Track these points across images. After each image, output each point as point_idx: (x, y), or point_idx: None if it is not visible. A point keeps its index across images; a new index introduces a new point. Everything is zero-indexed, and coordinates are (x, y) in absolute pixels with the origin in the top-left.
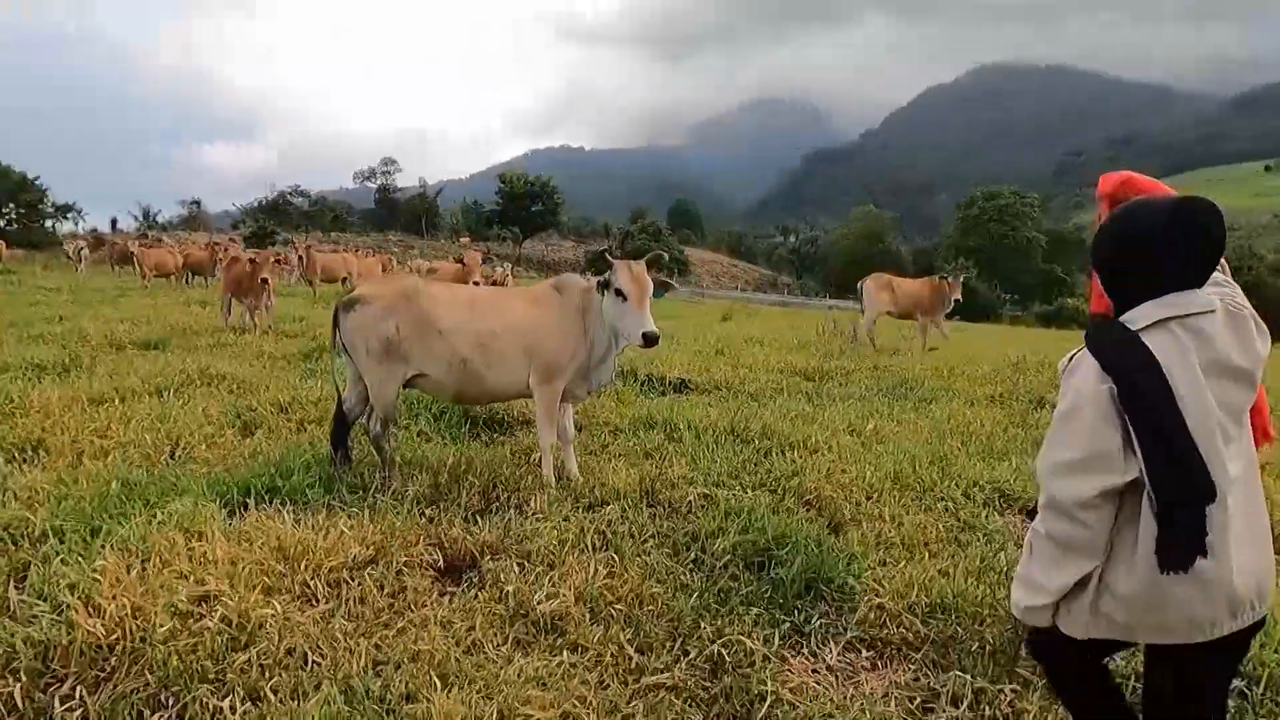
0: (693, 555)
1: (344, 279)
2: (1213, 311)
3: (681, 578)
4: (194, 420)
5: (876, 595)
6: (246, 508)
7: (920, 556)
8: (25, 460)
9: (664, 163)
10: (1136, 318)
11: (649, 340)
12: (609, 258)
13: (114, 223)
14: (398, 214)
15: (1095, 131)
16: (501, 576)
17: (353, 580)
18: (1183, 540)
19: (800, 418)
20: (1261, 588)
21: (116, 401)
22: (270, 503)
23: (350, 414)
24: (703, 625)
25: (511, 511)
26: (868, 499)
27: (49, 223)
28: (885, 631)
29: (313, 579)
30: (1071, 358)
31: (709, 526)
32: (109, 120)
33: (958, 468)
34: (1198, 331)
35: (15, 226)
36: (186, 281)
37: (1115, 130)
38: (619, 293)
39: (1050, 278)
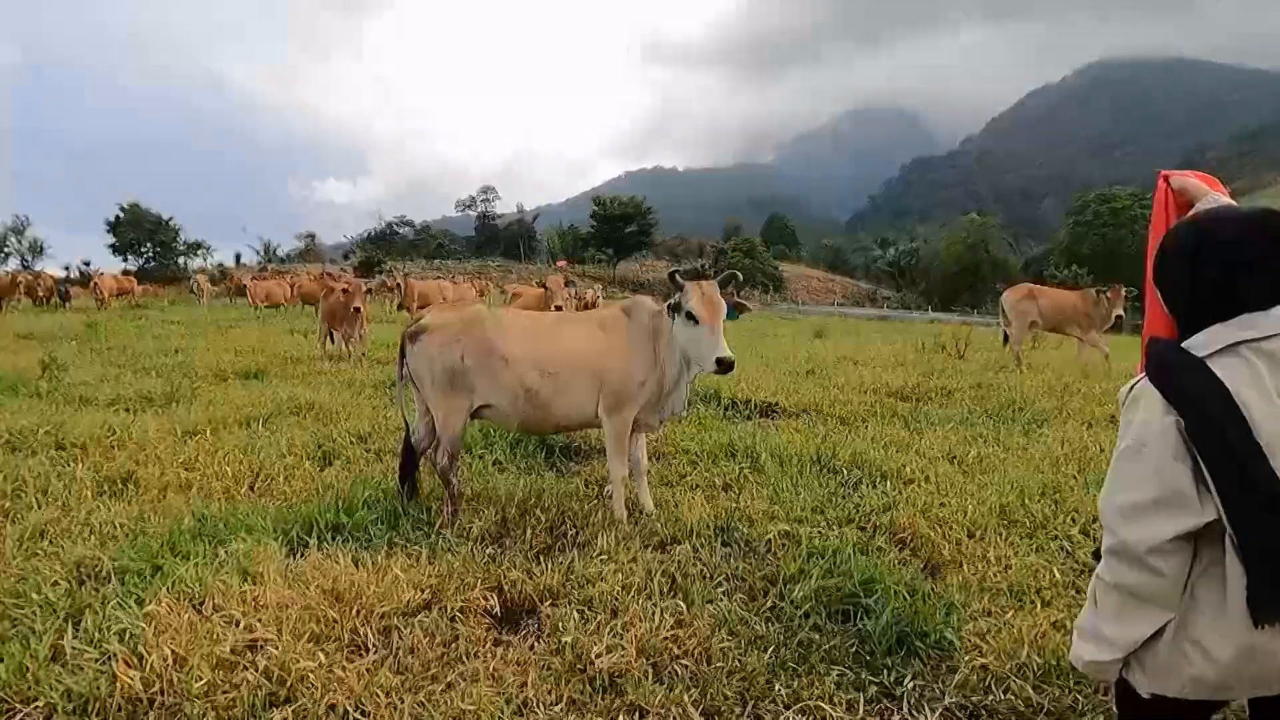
0: (770, 602)
1: (441, 304)
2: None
3: (756, 628)
4: (276, 451)
5: (979, 653)
6: (309, 545)
7: (1031, 606)
8: (115, 494)
9: (758, 180)
10: (1203, 343)
11: (723, 366)
12: (679, 279)
13: (238, 257)
14: (497, 240)
15: (1220, 126)
16: (560, 625)
17: (405, 627)
18: (1271, 587)
19: (894, 444)
20: None
21: (208, 433)
22: (334, 539)
23: (418, 446)
24: (777, 686)
25: (575, 551)
26: (970, 537)
27: (181, 259)
28: (990, 698)
29: (363, 625)
30: (1132, 388)
31: (789, 569)
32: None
33: (1074, 500)
34: (1270, 355)
35: (152, 264)
36: (299, 311)
37: (1243, 123)
38: (690, 316)
39: None
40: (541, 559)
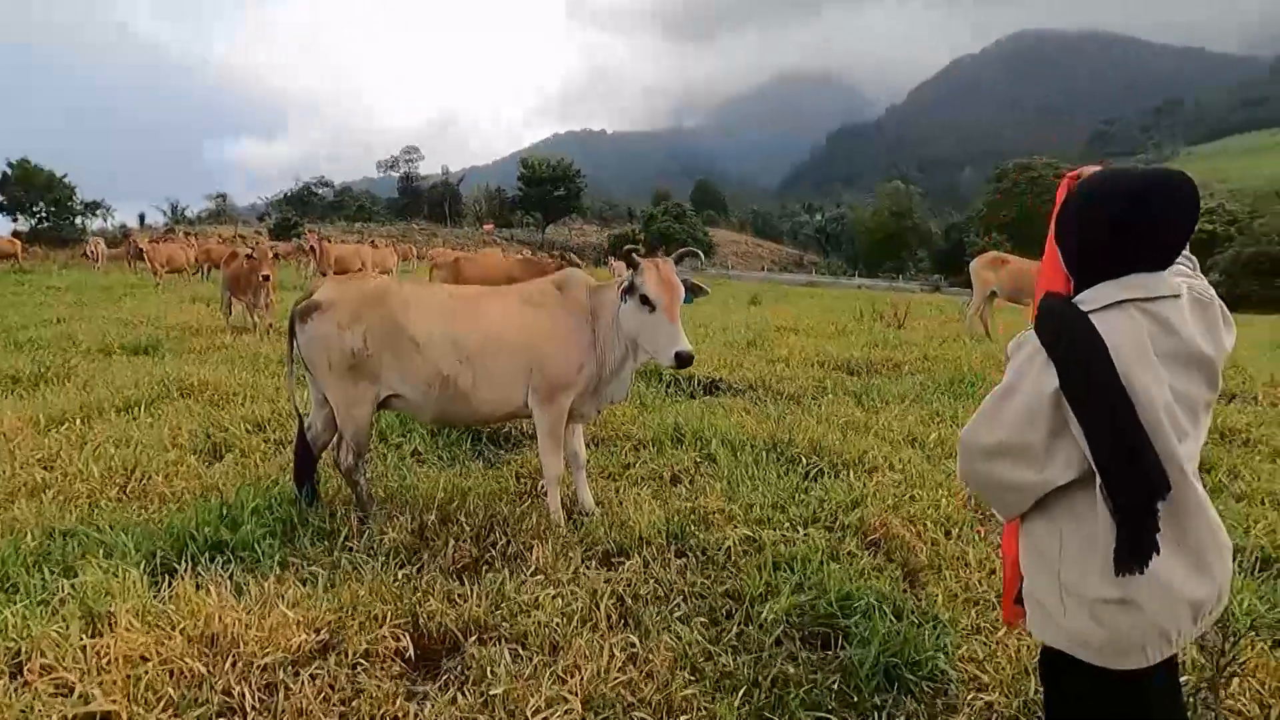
0: (735, 627)
1: (359, 269)
2: (1178, 297)
3: (722, 662)
4: (157, 443)
5: (979, 687)
6: (180, 571)
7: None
8: None
9: (688, 144)
10: (1093, 298)
11: (682, 361)
12: (635, 257)
13: (142, 218)
14: (421, 202)
15: (1130, 99)
16: (489, 670)
17: (294, 682)
18: (1137, 539)
19: (851, 426)
20: (1221, 590)
21: (77, 422)
22: (213, 561)
23: (316, 443)
24: None
25: (506, 568)
26: (946, 536)
27: (78, 220)
28: None
29: (240, 683)
30: (1018, 337)
31: (754, 584)
32: (138, 118)
33: None
34: (1159, 317)
35: (46, 224)
36: (204, 277)
37: (1151, 98)
38: (645, 300)
39: None
40: (465, 579)
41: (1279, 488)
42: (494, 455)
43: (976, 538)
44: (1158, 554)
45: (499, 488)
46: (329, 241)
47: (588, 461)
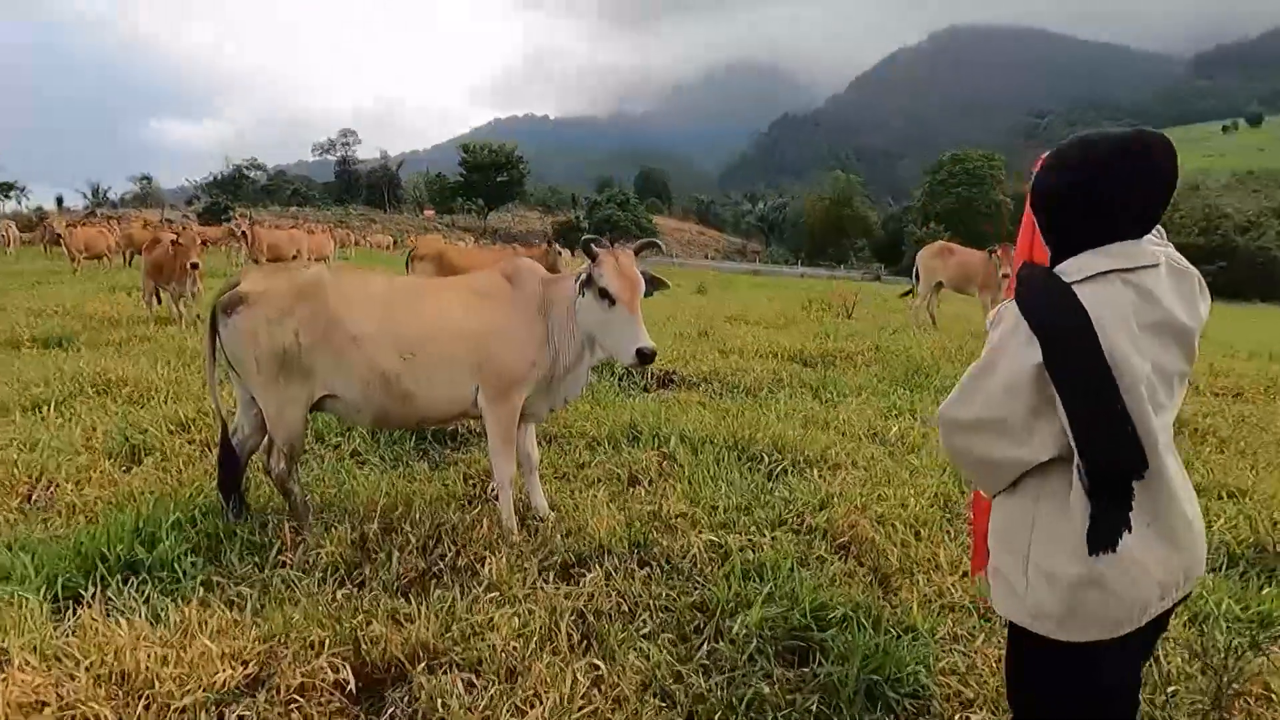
0: (706, 644)
1: (294, 257)
2: (1157, 266)
3: (693, 684)
4: (67, 447)
5: (962, 705)
6: (90, 596)
7: (1000, 626)
8: None
9: (632, 130)
10: (1075, 268)
11: (644, 358)
12: (594, 249)
13: (59, 201)
14: (359, 187)
15: (1061, 93)
16: (440, 702)
17: None
18: (1111, 517)
19: (811, 421)
20: (1190, 567)
21: None
22: (126, 584)
23: (242, 448)
24: None
25: (457, 583)
26: (915, 537)
27: None
28: None
29: None
30: (998, 309)
31: (723, 594)
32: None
33: None
34: (1141, 288)
35: None
36: (128, 262)
37: (1080, 91)
38: (604, 294)
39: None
40: (412, 597)
41: (1231, 480)
42: (440, 455)
43: (946, 538)
44: (1129, 532)
45: (446, 492)
46: (261, 226)
47: (540, 462)
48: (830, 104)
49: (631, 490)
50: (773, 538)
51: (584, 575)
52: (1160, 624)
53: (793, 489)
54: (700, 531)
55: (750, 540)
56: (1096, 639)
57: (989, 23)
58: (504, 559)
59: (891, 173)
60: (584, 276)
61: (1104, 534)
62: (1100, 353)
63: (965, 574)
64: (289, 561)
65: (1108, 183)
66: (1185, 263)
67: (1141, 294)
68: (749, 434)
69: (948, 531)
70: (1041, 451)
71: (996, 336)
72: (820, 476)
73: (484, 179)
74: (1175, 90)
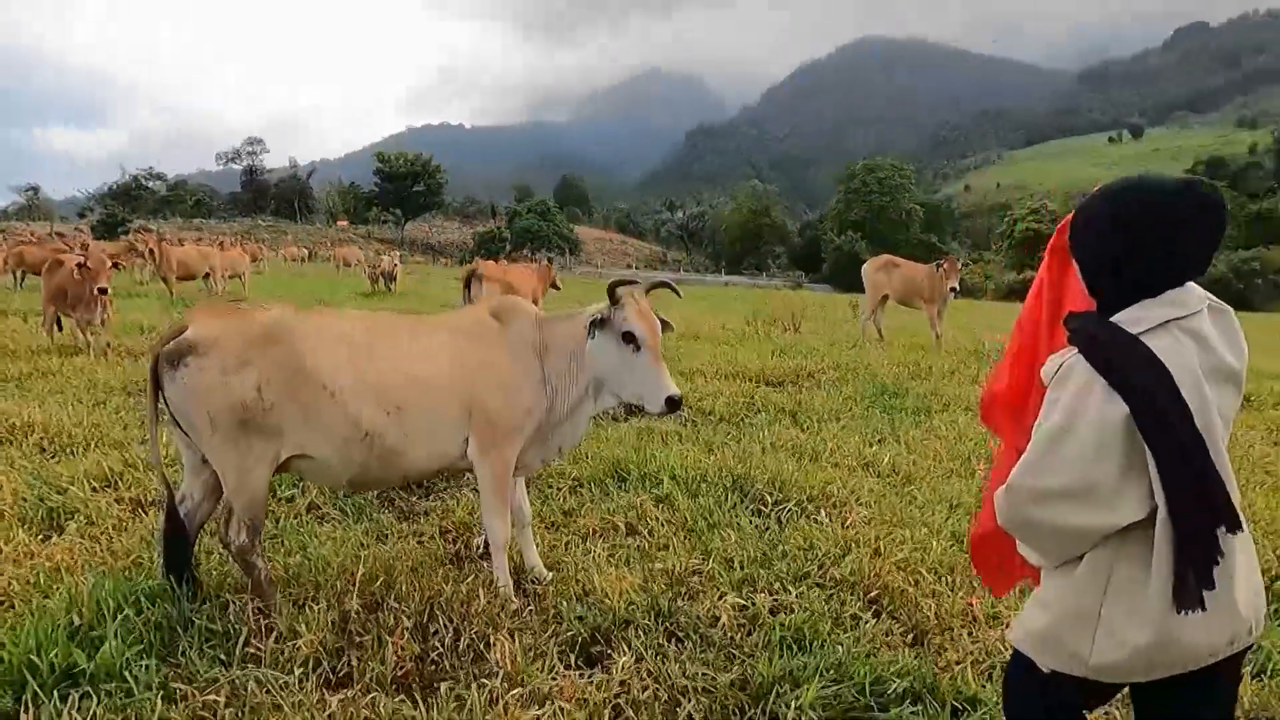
0: None
1: (206, 275)
2: (1202, 311)
3: None
4: None
5: None
6: (31, 716)
7: None
8: None
9: (548, 139)
10: (1134, 319)
11: (674, 406)
12: (618, 291)
13: None
14: (267, 197)
15: (959, 107)
16: None
17: None
18: (1200, 575)
19: (800, 453)
20: (1259, 611)
21: None
22: (65, 700)
23: (192, 519)
24: None
25: (467, 677)
26: (944, 584)
27: None
28: None
29: None
30: (1061, 365)
31: (767, 671)
32: None
33: None
34: (1197, 334)
35: None
36: (17, 284)
37: (979, 103)
38: (630, 338)
39: (928, 246)
40: (415, 693)
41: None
42: (407, 504)
43: (974, 585)
44: (1212, 590)
45: (427, 553)
46: (169, 242)
47: (532, 519)
48: (744, 114)
49: (631, 541)
50: (798, 594)
51: (609, 655)
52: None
53: (807, 536)
54: (723, 593)
55: (776, 600)
56: (1159, 677)
57: (893, 36)
58: (516, 641)
59: (805, 181)
60: (599, 317)
61: (1194, 592)
62: (1187, 408)
63: (1007, 624)
64: (260, 653)
65: (1178, 232)
66: (1218, 301)
67: (1198, 341)
68: (744, 471)
69: (975, 577)
70: (1129, 514)
71: (1068, 396)
72: (829, 518)
73: (400, 189)
74: (1064, 103)
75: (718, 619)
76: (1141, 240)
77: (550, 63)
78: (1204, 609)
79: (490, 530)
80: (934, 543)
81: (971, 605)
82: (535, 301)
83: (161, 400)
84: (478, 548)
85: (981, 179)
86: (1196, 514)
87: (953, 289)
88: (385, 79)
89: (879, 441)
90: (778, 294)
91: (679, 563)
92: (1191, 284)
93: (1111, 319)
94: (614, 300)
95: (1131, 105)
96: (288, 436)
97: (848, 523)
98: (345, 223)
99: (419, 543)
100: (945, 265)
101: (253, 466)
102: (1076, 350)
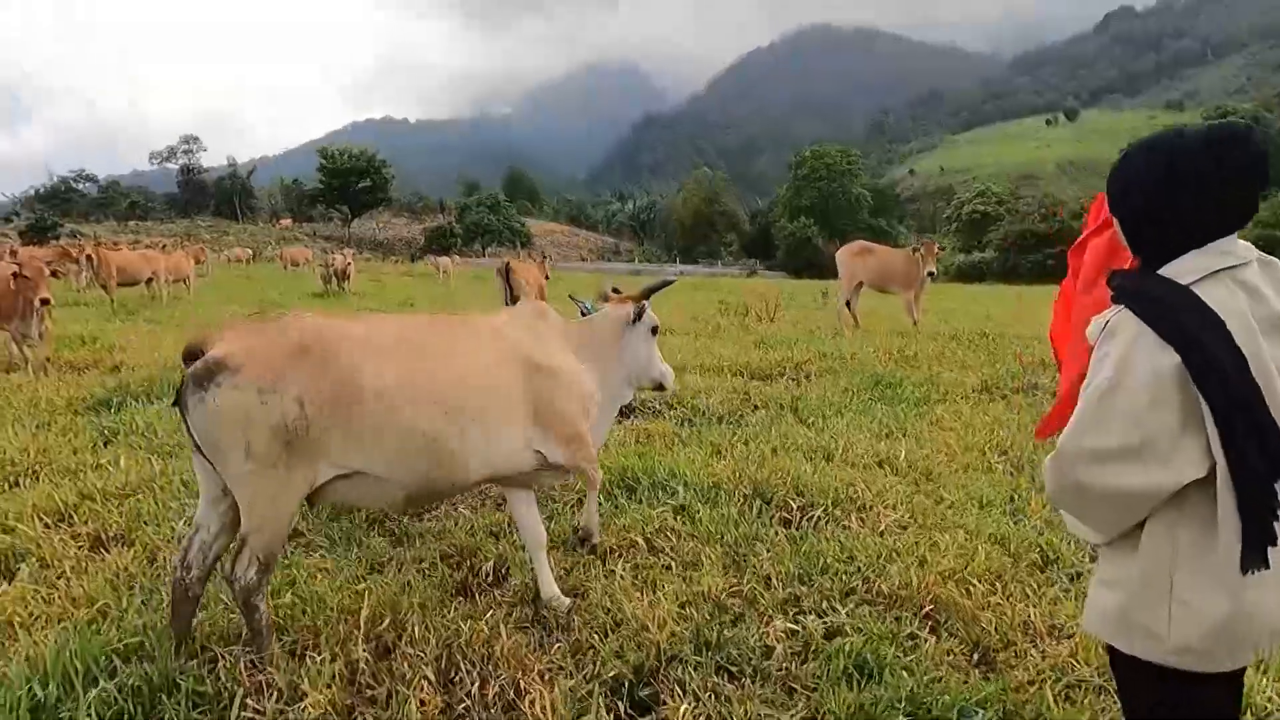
0: None
1: (148, 280)
2: (1252, 262)
3: None
4: None
5: None
6: None
7: None
8: None
9: (494, 132)
10: (1184, 270)
11: (670, 381)
12: (648, 293)
13: None
14: (206, 197)
15: (899, 92)
16: None
17: None
18: (1264, 531)
19: (810, 451)
20: None
21: None
22: None
23: (207, 556)
24: None
25: None
26: (993, 590)
27: None
28: None
29: None
30: (1107, 322)
31: (839, 708)
32: None
33: (1044, 511)
34: (1248, 285)
35: None
36: None
37: (918, 89)
38: (655, 330)
39: (877, 230)
40: None
41: None
42: (399, 527)
43: (1029, 593)
44: (1275, 544)
45: (435, 585)
46: (106, 247)
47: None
48: (690, 104)
49: (654, 559)
50: (848, 613)
51: (660, 699)
52: None
53: (845, 546)
54: (768, 616)
55: (827, 622)
56: (1235, 666)
57: (833, 24)
58: (550, 686)
59: (753, 169)
60: (634, 315)
61: (1258, 550)
62: (1243, 356)
63: (1070, 636)
64: (260, 717)
65: (1214, 181)
66: (1263, 254)
67: (1249, 291)
68: (763, 476)
69: (1027, 584)
70: (1188, 472)
71: (1116, 350)
72: (861, 523)
73: (345, 185)
74: (1001, 87)
75: (771, 649)
76: (1183, 193)
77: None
78: (1268, 567)
79: (532, 538)
80: (978, 547)
81: None
82: (541, 293)
83: (188, 426)
84: (487, 575)
85: (924, 163)
86: (1257, 466)
87: (930, 273)
88: (324, 73)
89: (887, 436)
90: (744, 283)
91: (713, 583)
92: (1236, 236)
93: (1158, 271)
94: (646, 298)
95: (1065, 88)
96: (333, 456)
97: (882, 529)
98: (290, 221)
99: (420, 571)
100: (922, 249)
101: (284, 495)
102: (1123, 305)
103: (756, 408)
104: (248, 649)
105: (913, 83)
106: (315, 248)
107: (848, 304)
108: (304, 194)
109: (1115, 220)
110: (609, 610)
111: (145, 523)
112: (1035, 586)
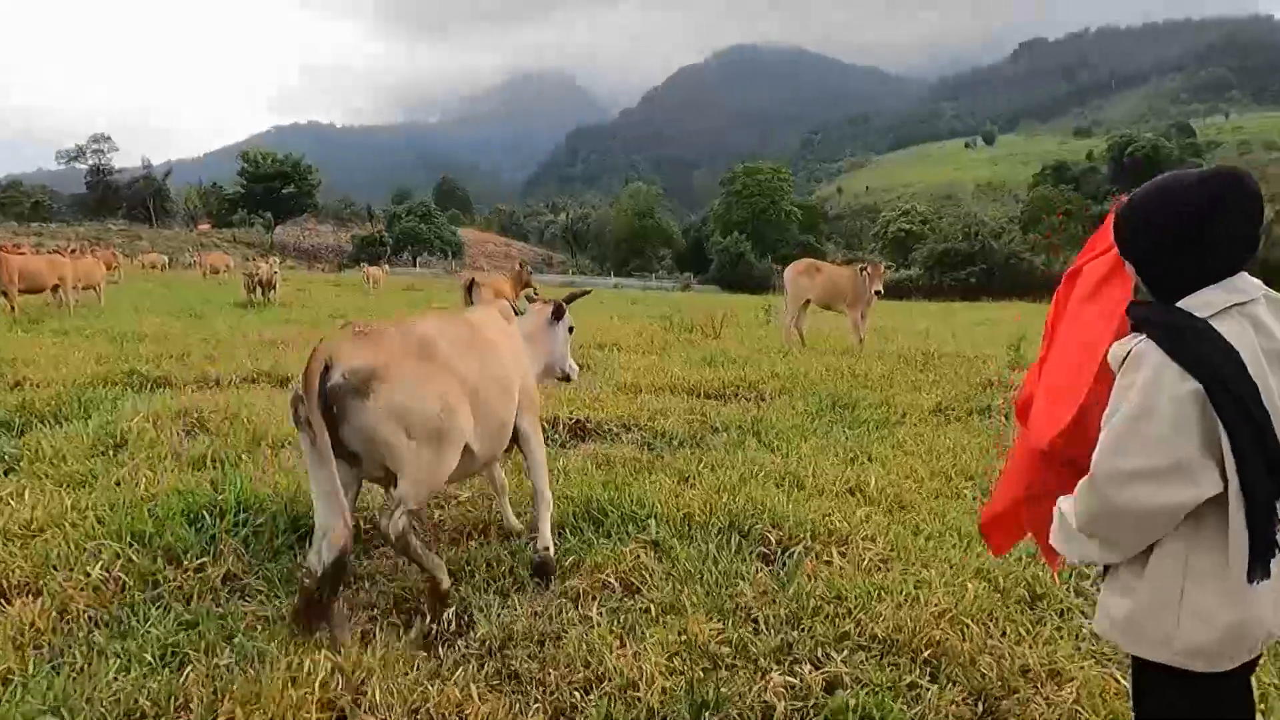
0: None
1: (54, 287)
2: (1259, 298)
3: None
4: None
5: None
6: None
7: None
8: None
9: (425, 140)
10: (1201, 305)
11: (575, 376)
12: (568, 301)
13: None
14: (117, 199)
15: (829, 112)
16: None
17: None
18: (1269, 544)
19: (778, 478)
20: None
21: None
22: None
23: (333, 552)
24: None
25: None
26: (988, 631)
27: None
28: None
29: None
30: (1130, 351)
31: None
32: None
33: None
34: (1256, 320)
35: None
36: None
37: (845, 109)
38: (570, 329)
39: (808, 248)
40: None
41: None
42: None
43: (1023, 634)
44: (1275, 555)
45: (397, 636)
46: (7, 250)
47: (499, 566)
48: (624, 117)
49: (632, 602)
50: (843, 660)
51: None
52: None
53: (832, 585)
54: (762, 667)
55: (826, 673)
56: (1233, 665)
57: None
58: None
59: (686, 183)
60: (554, 313)
61: (1263, 562)
62: (1256, 388)
63: (1071, 679)
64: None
65: (1227, 221)
66: (1270, 290)
67: (1257, 326)
68: (737, 507)
69: (1020, 623)
70: (1209, 487)
71: (1143, 379)
72: (843, 557)
73: (268, 190)
74: (924, 110)
75: (772, 706)
76: (1197, 233)
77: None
78: (1268, 577)
79: (542, 494)
80: (968, 584)
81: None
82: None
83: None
84: (449, 622)
85: (851, 181)
86: (1265, 487)
87: (877, 292)
88: (248, 76)
89: (853, 461)
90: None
91: (699, 630)
92: (1245, 273)
93: (1176, 304)
94: (568, 303)
95: (983, 113)
96: (465, 433)
97: (865, 563)
98: (208, 226)
99: (373, 619)
100: (869, 269)
101: (440, 464)
102: (1144, 336)
103: (716, 430)
104: (423, 575)
105: (839, 103)
106: (236, 254)
107: (794, 322)
108: (224, 198)
109: (1129, 262)
110: (588, 663)
111: (55, 568)
112: (1028, 626)
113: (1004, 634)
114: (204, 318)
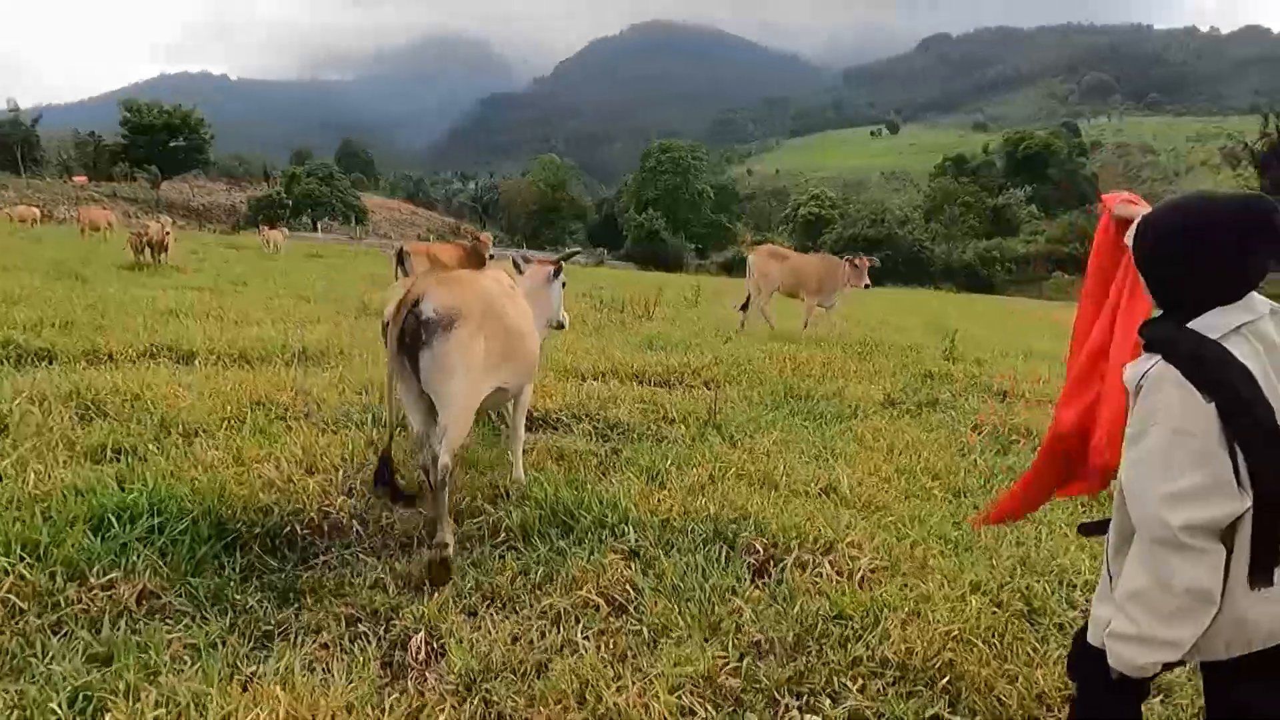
0: None
1: None
2: (1266, 315)
3: None
4: None
5: None
6: None
7: None
8: None
9: (329, 99)
10: (1213, 325)
11: (566, 324)
12: (563, 260)
13: None
14: None
15: (743, 94)
16: None
17: None
18: (1273, 552)
19: (750, 478)
20: None
21: None
22: None
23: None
24: None
25: None
26: (999, 653)
27: None
28: None
29: None
30: (1146, 374)
31: None
32: None
33: (1007, 551)
34: (1265, 338)
35: None
36: None
37: (760, 92)
38: (564, 284)
39: (718, 227)
40: None
41: None
42: (283, 577)
43: (1030, 653)
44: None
45: (358, 668)
46: None
47: (466, 582)
48: (537, 86)
49: (620, 623)
50: (860, 690)
51: None
52: None
53: (835, 603)
54: (780, 701)
55: (848, 708)
56: (1229, 656)
57: (684, 20)
58: None
59: (599, 158)
60: (554, 271)
61: (1266, 570)
62: (1270, 406)
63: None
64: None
65: (1245, 244)
66: (1275, 305)
67: (1265, 343)
68: (715, 510)
69: (1026, 641)
70: (1246, 499)
71: (1166, 402)
72: (834, 568)
73: (154, 143)
74: (835, 98)
75: None
76: (1216, 254)
77: (329, 17)
78: (1271, 584)
79: (518, 433)
80: (971, 600)
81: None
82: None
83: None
84: (417, 651)
85: (761, 164)
86: (1274, 501)
87: (865, 286)
88: (134, 18)
89: (818, 457)
90: (596, 272)
91: (701, 658)
92: (1254, 292)
93: (1188, 325)
94: (566, 261)
95: (889, 103)
96: (501, 374)
97: (859, 576)
98: (85, 179)
99: (325, 645)
100: (856, 262)
101: (478, 398)
102: (1160, 357)
103: (672, 421)
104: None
105: (755, 85)
106: (118, 211)
107: (762, 309)
108: (103, 149)
109: (1143, 278)
110: (584, 699)
111: None
112: (1034, 645)
113: (1014, 654)
114: (88, 281)
